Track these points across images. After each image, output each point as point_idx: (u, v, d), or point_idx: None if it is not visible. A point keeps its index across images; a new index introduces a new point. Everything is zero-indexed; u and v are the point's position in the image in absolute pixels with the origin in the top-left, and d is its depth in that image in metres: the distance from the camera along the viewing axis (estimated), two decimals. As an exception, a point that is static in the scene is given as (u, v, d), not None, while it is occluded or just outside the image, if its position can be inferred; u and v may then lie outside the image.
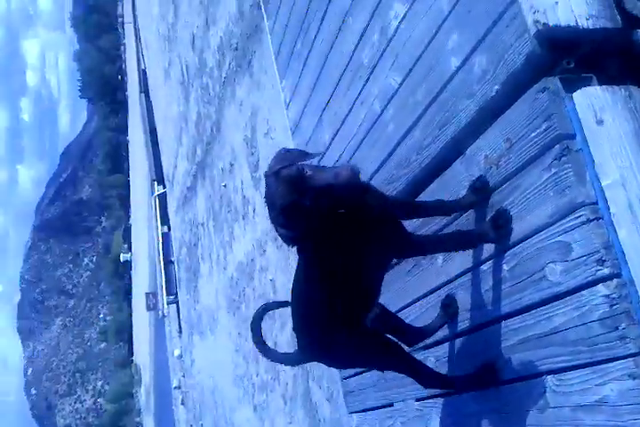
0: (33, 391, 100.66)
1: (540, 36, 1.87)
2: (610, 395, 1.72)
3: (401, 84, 2.70)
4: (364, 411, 3.58)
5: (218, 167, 10.82)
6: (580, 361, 1.83)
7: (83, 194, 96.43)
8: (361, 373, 3.51)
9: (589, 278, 1.76)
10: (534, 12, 1.87)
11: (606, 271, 1.71)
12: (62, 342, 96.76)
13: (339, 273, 2.07)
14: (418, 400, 2.88)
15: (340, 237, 1.99)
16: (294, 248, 2.09)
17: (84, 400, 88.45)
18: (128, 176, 64.87)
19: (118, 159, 72.19)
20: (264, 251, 8.05)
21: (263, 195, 1.92)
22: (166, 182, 20.58)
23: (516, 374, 2.14)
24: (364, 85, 3.06)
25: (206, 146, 11.88)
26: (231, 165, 9.75)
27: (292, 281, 2.25)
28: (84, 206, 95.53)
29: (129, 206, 66.84)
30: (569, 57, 1.89)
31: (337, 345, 2.23)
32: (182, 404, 20.35)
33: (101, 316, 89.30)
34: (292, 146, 4.51)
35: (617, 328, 1.68)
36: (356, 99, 3.15)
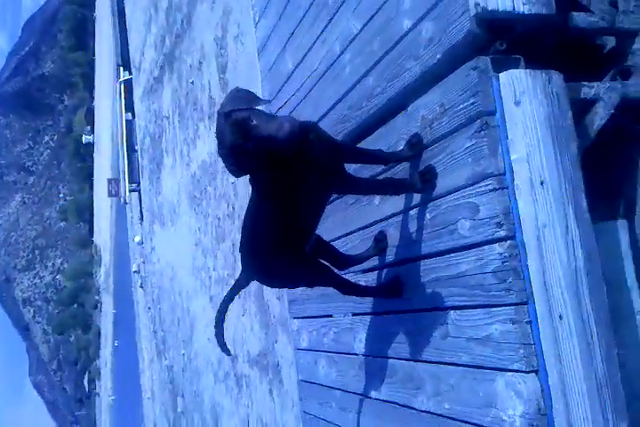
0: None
1: (478, 18, 2.06)
2: (494, 333, 2.09)
3: (360, 31, 2.86)
4: (304, 318, 4.02)
5: (186, 63, 10.68)
6: (476, 302, 2.19)
7: (45, 69, 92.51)
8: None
9: (489, 237, 2.09)
10: (476, -5, 2.04)
11: (502, 233, 2.03)
12: (21, 219, 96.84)
13: (283, 205, 2.34)
14: (354, 315, 3.28)
15: (286, 174, 2.23)
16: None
17: (43, 276, 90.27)
18: (93, 55, 62.24)
19: (83, 36, 68.94)
20: (227, 153, 8.22)
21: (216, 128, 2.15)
22: (132, 69, 20.02)
23: (429, 305, 2.51)
24: (327, 25, 3.19)
25: (175, 38, 11.62)
26: (200, 62, 9.65)
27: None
28: (47, 83, 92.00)
29: (93, 87, 64.71)
30: (502, 39, 2.09)
31: (277, 266, 2.53)
32: (141, 287, 21.11)
33: (61, 195, 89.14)
34: (257, 64, 4.63)
35: (505, 281, 2.03)
36: (319, 36, 3.29)
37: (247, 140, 2.03)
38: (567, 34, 2.22)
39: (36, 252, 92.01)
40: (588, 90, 2.23)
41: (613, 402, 1.94)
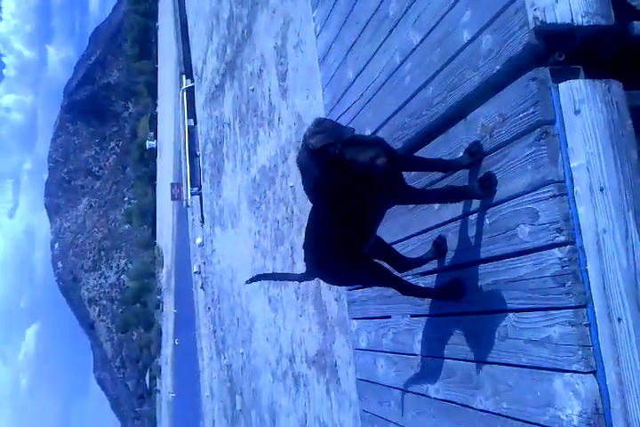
0: (59, 265, 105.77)
1: (537, 31, 2.13)
2: (553, 335, 2.16)
3: (420, 43, 2.95)
4: (364, 319, 4.12)
5: (247, 70, 10.94)
6: (535, 305, 2.25)
7: (111, 78, 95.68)
8: (364, 287, 4.01)
9: (549, 242, 2.15)
10: (535, 9, 2.11)
11: (562, 238, 2.09)
12: (88, 221, 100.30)
13: (347, 213, 2.48)
14: (412, 316, 3.37)
15: (354, 191, 2.39)
16: None
17: (108, 276, 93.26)
18: (156, 63, 64.03)
19: (146, 45, 71.05)
20: (286, 158, 8.42)
21: (298, 159, 2.32)
22: (194, 77, 20.57)
23: (488, 307, 2.58)
24: (387, 36, 3.29)
25: (236, 47, 11.91)
26: (260, 70, 9.88)
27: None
28: (112, 91, 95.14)
29: (156, 94, 66.53)
30: (561, 50, 2.15)
31: (336, 264, 2.67)
32: (202, 288, 21.59)
33: (126, 199, 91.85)
34: (317, 71, 4.79)
35: (564, 285, 2.09)
36: (379, 47, 3.39)
37: (339, 178, 2.28)
38: (627, 43, 2.25)
39: (102, 253, 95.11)
40: (649, 97, 2.26)
41: (672, 405, 1.97)
